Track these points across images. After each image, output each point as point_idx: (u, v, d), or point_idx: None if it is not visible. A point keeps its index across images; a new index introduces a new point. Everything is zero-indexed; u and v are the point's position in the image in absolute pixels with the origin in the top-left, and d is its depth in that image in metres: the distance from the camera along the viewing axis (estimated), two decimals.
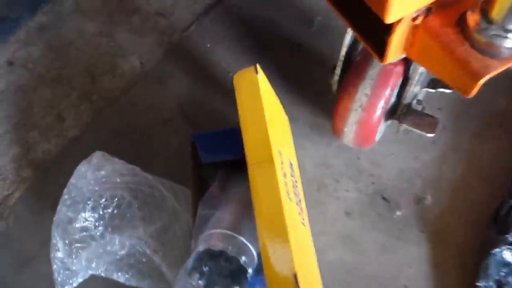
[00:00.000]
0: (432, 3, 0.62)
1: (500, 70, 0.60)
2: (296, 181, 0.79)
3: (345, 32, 0.85)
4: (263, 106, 0.70)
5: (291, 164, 0.79)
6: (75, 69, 1.14)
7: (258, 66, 0.73)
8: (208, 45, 1.17)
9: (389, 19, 0.59)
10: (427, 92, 0.94)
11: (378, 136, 0.96)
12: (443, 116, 1.04)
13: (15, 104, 1.10)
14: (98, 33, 1.20)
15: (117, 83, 1.12)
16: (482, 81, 0.59)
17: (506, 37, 0.58)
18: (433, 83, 0.92)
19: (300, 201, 0.78)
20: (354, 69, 0.85)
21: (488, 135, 1.02)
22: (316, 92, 1.09)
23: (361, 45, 0.90)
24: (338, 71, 0.89)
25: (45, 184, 1.00)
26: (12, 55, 1.17)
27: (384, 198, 0.97)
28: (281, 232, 0.62)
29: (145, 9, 1.24)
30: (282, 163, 0.71)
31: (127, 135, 1.05)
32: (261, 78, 0.73)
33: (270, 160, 0.66)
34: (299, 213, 0.74)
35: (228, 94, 1.10)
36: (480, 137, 1.02)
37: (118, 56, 1.16)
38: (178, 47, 1.17)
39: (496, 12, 0.57)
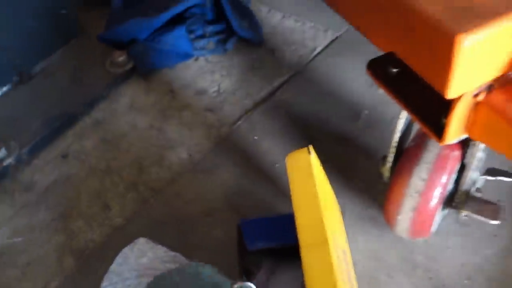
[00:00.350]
0: (494, 80, 0.61)
1: None
2: (349, 271, 0.73)
3: (397, 119, 0.84)
4: (316, 187, 0.68)
5: (344, 252, 0.74)
6: (124, 161, 1.17)
7: (311, 147, 0.72)
8: (256, 138, 1.18)
9: (450, 94, 0.58)
10: (486, 180, 0.89)
11: (434, 227, 0.89)
12: (503, 209, 0.97)
13: (64, 194, 1.12)
14: (149, 127, 1.24)
15: (164, 174, 1.13)
16: None
17: None
18: (492, 171, 0.87)
19: None
20: (408, 153, 0.83)
21: None
22: (365, 183, 1.06)
23: (413, 131, 0.88)
24: (391, 157, 0.86)
25: (85, 274, 0.97)
26: (67, 148, 1.22)
27: None
28: None
29: (196, 105, 1.29)
30: (336, 248, 0.66)
31: (171, 225, 1.03)
32: (314, 159, 0.72)
33: (324, 242, 0.62)
34: None
35: (274, 184, 1.08)
36: None
37: (167, 148, 1.19)
38: (226, 139, 1.19)
39: None
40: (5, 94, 1.32)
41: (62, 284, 0.96)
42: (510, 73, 0.61)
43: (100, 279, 0.91)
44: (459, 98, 0.61)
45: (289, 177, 0.71)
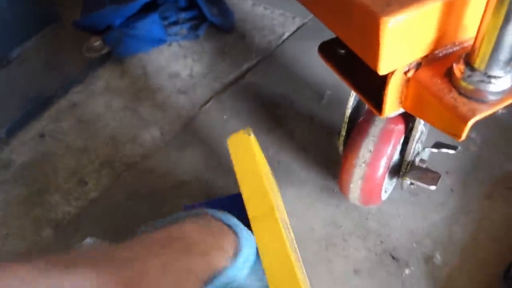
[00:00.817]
0: (421, 58, 0.69)
1: (486, 113, 0.64)
2: (294, 244, 0.81)
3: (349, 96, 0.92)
4: (258, 163, 0.75)
5: (287, 225, 0.82)
6: (100, 139, 1.23)
7: (249, 129, 0.79)
8: (225, 117, 1.25)
9: (381, 71, 0.65)
10: (431, 152, 0.98)
11: (384, 195, 0.98)
12: (451, 180, 1.07)
13: (41, 171, 1.17)
14: (124, 108, 1.30)
15: (138, 150, 1.20)
16: (470, 123, 0.64)
17: (490, 82, 0.63)
18: (437, 145, 0.96)
19: (299, 259, 0.79)
20: (357, 128, 0.91)
21: (497, 197, 1.03)
22: (326, 158, 1.14)
23: (365, 107, 0.96)
24: (343, 131, 0.94)
25: (62, 243, 1.04)
26: (43, 128, 1.27)
27: (393, 257, 0.97)
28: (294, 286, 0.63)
29: (169, 87, 1.35)
30: (280, 219, 0.74)
31: (144, 197, 1.09)
32: (253, 139, 0.79)
33: (271, 210, 0.69)
34: (302, 273, 0.75)
35: None
36: (489, 199, 1.03)
37: (140, 127, 1.25)
38: (197, 119, 1.26)
39: (479, 62, 0.63)
40: None
41: (41, 253, 1.03)
42: (436, 52, 0.69)
43: (74, 247, 0.98)
44: (391, 74, 0.69)
45: (232, 157, 0.78)
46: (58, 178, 1.15)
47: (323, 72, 1.32)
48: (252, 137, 0.79)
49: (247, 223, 0.70)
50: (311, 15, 1.48)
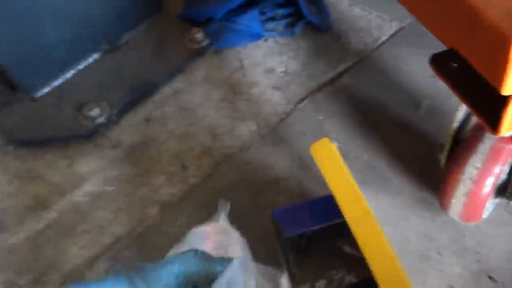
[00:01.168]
0: None
1: None
2: None
3: (456, 110, 0.92)
4: (346, 168, 0.78)
5: None
6: (200, 128, 1.30)
7: (329, 137, 0.82)
8: (320, 118, 1.28)
9: (505, 91, 0.65)
10: None
11: (485, 213, 0.97)
12: None
13: (147, 153, 1.26)
14: (222, 99, 1.37)
15: (235, 142, 1.25)
16: None
17: None
18: None
19: None
20: (465, 143, 0.91)
21: None
22: (421, 168, 1.14)
23: (471, 122, 0.95)
24: (448, 145, 0.94)
25: (166, 224, 1.11)
26: (149, 113, 1.36)
27: (490, 278, 0.96)
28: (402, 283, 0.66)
29: (264, 83, 1.40)
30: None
31: (242, 188, 1.15)
32: (334, 146, 0.82)
33: (368, 213, 0.72)
34: None
35: None
36: None
37: (237, 120, 1.31)
38: (291, 116, 1.29)
39: None
40: (97, 60, 1.47)
41: (146, 230, 1.11)
42: None
43: (180, 229, 1.05)
44: None
45: (319, 164, 0.81)
46: (162, 161, 1.23)
47: (420, 80, 1.31)
48: (333, 144, 0.82)
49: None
50: (409, 19, 1.47)
